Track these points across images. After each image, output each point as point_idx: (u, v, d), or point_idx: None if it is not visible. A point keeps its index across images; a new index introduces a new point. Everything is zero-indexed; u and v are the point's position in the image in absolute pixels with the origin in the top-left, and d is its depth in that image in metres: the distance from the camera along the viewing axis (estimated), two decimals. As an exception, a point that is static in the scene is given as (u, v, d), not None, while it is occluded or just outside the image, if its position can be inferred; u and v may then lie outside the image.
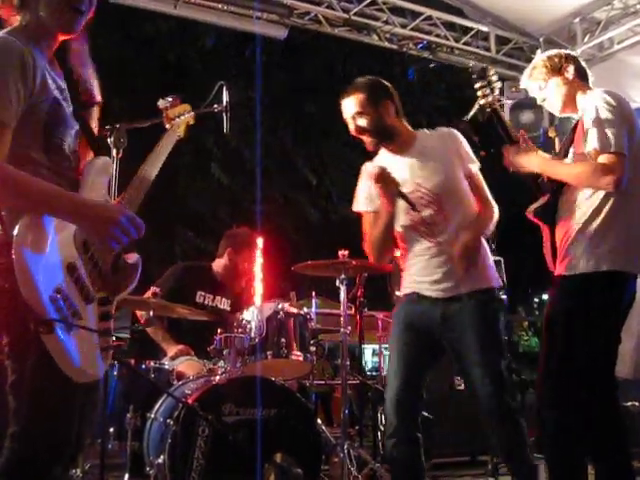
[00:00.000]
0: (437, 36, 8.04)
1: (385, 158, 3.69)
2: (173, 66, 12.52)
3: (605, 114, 3.28)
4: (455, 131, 3.61)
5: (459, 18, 8.09)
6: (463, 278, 3.37)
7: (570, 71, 3.59)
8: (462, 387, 6.18)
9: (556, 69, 3.61)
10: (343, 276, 4.70)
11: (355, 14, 7.56)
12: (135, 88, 11.46)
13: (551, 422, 3.39)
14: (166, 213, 12.75)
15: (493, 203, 3.57)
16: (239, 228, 5.77)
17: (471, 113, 3.56)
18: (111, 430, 4.08)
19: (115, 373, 4.23)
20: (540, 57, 3.71)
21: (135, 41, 11.64)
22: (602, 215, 3.31)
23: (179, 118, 3.05)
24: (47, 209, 2.16)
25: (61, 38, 2.42)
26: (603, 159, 3.23)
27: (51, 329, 2.05)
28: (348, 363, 4.69)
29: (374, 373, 10.24)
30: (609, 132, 3.24)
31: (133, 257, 2.57)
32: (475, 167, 3.58)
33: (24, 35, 2.28)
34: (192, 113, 3.13)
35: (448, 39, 8.08)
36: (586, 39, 7.77)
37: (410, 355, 3.47)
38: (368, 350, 13.43)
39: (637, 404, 6.33)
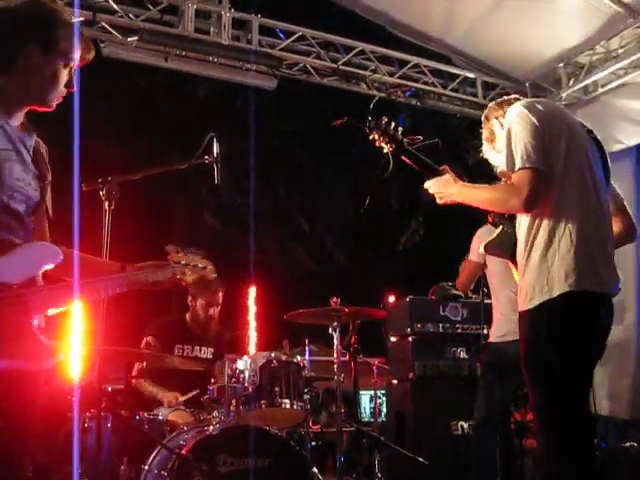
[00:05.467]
0: (425, 83, 8.15)
1: None
2: (165, 118, 12.62)
3: (515, 129, 3.12)
4: None
5: (446, 65, 8.20)
6: None
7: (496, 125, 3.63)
8: (459, 432, 6.16)
9: (490, 138, 3.68)
10: (335, 323, 4.74)
11: (343, 64, 7.67)
12: (128, 140, 11.55)
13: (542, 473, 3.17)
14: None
15: None
16: None
17: (389, 168, 3.46)
18: (105, 483, 4.04)
19: (109, 425, 4.20)
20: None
21: (128, 93, 11.76)
22: (545, 237, 3.07)
23: (186, 264, 2.97)
24: None
25: (36, 109, 2.50)
26: (513, 178, 3.06)
27: None
28: (343, 410, 4.69)
29: (372, 420, 10.16)
30: (517, 148, 3.07)
31: None
32: None
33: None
34: (211, 269, 2.98)
35: (436, 86, 8.19)
36: (571, 83, 7.88)
37: None
38: (365, 396, 13.34)
39: (635, 445, 6.29)
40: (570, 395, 3.03)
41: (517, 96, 3.75)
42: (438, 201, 3.40)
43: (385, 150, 3.42)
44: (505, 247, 3.38)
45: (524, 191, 3.00)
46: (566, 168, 3.11)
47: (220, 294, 5.54)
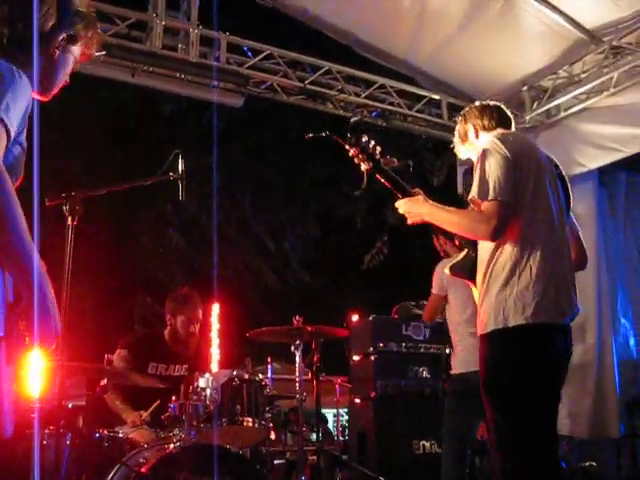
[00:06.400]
0: (390, 104, 8.20)
1: None
2: (131, 133, 12.58)
3: (490, 161, 3.22)
4: None
5: (411, 86, 8.27)
6: None
7: (471, 131, 3.68)
8: (421, 451, 6.17)
9: (462, 138, 3.73)
10: (298, 342, 4.74)
11: (310, 83, 7.70)
12: (93, 156, 11.49)
13: None
14: (125, 278, 12.70)
15: None
16: (178, 289, 5.71)
17: (364, 185, 3.54)
18: (63, 501, 3.97)
19: (68, 442, 4.14)
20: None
21: (93, 108, 11.70)
22: (507, 267, 3.17)
23: None
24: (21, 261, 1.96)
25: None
26: (482, 207, 3.17)
27: None
28: (305, 429, 4.69)
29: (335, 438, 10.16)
30: (490, 178, 3.17)
31: None
32: None
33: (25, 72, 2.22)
34: None
35: (401, 107, 8.25)
36: (534, 106, 8.00)
37: None
38: (328, 415, 13.35)
39: (594, 464, 6.36)
40: (528, 420, 3.09)
41: (497, 103, 3.76)
42: (408, 221, 3.49)
43: (362, 167, 3.49)
44: (467, 269, 3.46)
45: (493, 221, 3.12)
46: (533, 204, 3.22)
47: (200, 310, 5.45)
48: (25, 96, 2.12)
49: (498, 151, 3.23)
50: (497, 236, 3.15)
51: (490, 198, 3.14)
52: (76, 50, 2.48)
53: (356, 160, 3.51)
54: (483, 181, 3.18)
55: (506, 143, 3.28)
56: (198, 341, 5.54)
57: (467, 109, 3.78)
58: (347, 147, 3.51)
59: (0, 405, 1.99)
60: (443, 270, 5.36)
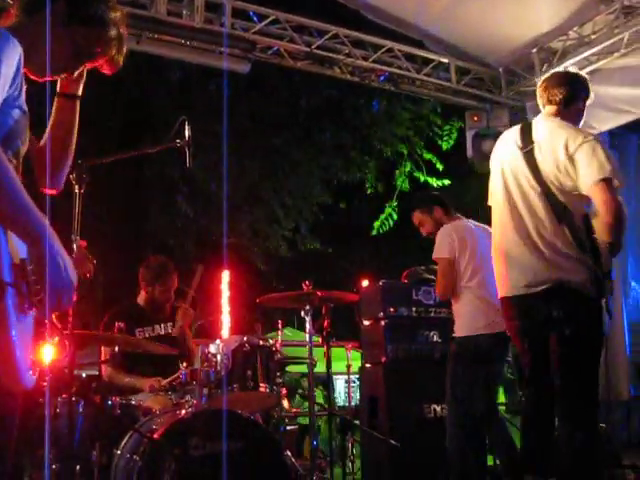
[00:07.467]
0: (399, 68, 8.14)
1: None
2: (138, 101, 12.52)
3: None
4: None
5: (419, 50, 8.20)
6: None
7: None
8: (432, 415, 6.19)
9: None
10: (308, 307, 4.74)
11: (317, 47, 7.64)
12: (100, 124, 11.44)
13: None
14: (135, 246, 12.71)
15: None
16: (153, 258, 5.86)
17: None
18: (77, 468, 4.01)
19: (81, 410, 4.17)
20: None
21: (99, 77, 11.65)
22: None
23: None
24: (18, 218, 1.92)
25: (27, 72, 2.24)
26: None
27: (2, 295, 1.90)
28: (315, 394, 4.71)
29: (346, 404, 10.22)
30: None
31: None
32: None
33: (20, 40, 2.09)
34: None
35: (409, 70, 8.18)
36: (544, 68, 7.90)
37: None
38: (340, 381, 13.43)
39: (604, 426, 6.37)
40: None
41: (560, 71, 4.47)
42: None
43: None
44: None
45: None
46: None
47: (176, 278, 5.59)
48: (14, 58, 2.01)
49: None
50: None
51: None
52: (84, 46, 2.35)
53: None
54: None
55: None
56: (172, 303, 5.65)
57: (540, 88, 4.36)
58: None
59: (10, 353, 1.94)
60: (452, 233, 5.22)
